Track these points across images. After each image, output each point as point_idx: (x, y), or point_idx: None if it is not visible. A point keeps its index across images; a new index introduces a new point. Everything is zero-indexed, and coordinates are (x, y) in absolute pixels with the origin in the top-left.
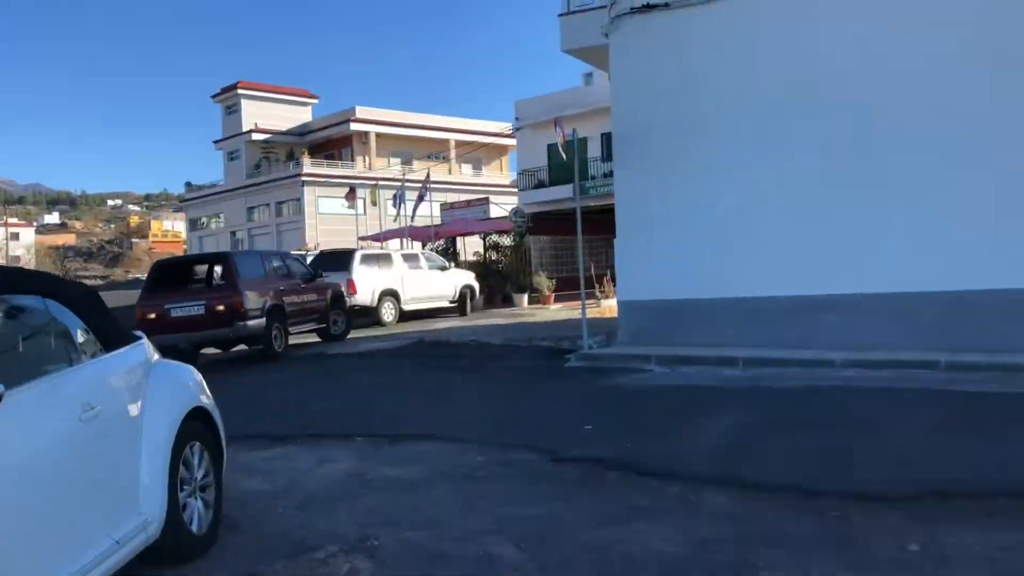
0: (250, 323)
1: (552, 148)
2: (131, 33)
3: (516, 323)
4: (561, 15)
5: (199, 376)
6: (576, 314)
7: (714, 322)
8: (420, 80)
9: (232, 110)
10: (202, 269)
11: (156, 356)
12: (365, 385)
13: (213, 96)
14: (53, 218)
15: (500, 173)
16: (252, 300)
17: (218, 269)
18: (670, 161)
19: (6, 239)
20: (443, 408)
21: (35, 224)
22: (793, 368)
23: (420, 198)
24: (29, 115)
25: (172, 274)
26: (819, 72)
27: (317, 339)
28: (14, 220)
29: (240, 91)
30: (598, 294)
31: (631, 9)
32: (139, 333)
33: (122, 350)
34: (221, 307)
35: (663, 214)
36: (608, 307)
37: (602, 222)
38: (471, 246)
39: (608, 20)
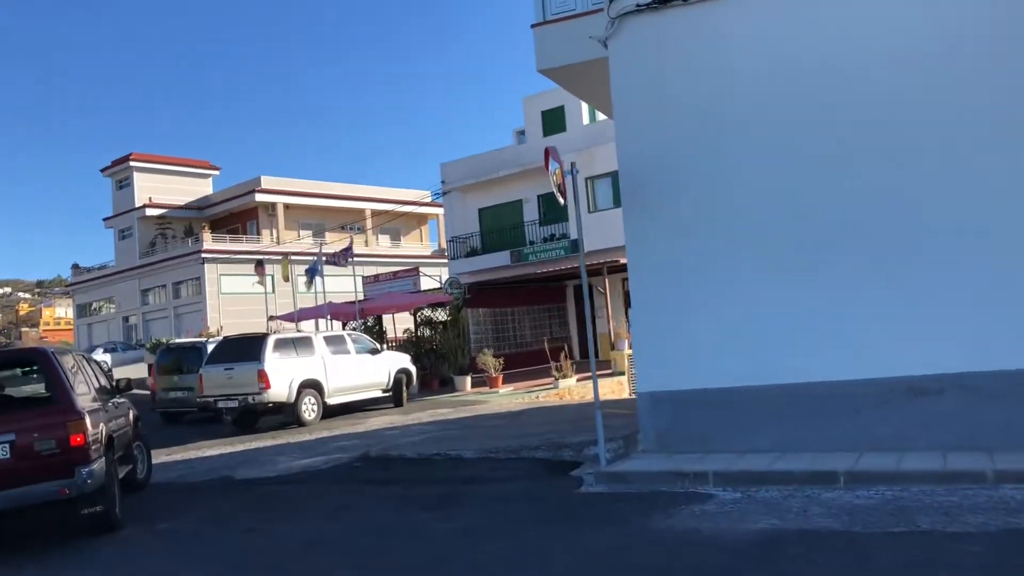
0: (94, 469)
1: (486, 212)
2: (9, 106)
3: (472, 416)
4: (535, 26)
5: None
6: (541, 402)
7: (773, 418)
8: (330, 150)
9: (124, 184)
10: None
11: None
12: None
13: (103, 169)
14: None
15: (420, 243)
16: (92, 428)
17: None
18: (706, 202)
19: None
20: None
21: None
22: (924, 486)
23: (333, 263)
24: None
25: None
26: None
27: (213, 452)
28: None
29: (132, 163)
30: (555, 373)
31: (637, 6)
32: None
33: None
34: (43, 442)
35: (699, 274)
36: (567, 389)
37: (544, 291)
38: (400, 323)
39: (606, 24)
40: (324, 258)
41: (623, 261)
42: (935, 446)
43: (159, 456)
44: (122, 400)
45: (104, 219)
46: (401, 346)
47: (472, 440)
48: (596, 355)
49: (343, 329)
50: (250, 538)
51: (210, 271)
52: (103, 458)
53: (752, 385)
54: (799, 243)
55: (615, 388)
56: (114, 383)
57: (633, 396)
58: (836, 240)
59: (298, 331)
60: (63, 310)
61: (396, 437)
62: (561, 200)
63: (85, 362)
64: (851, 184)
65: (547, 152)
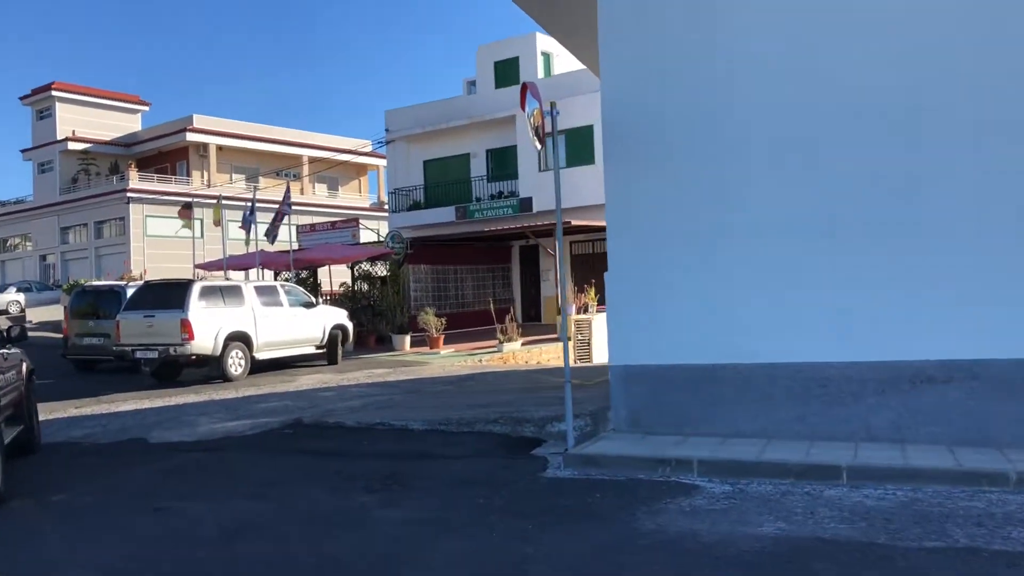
0: None
1: (431, 165)
2: None
3: (414, 380)
4: None
5: None
6: (485, 366)
7: (762, 400)
8: (271, 93)
9: (45, 114)
10: None
11: None
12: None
13: (22, 98)
14: None
15: (359, 195)
16: None
17: None
18: (698, 150)
19: None
20: None
21: None
22: (938, 486)
23: (279, 216)
24: None
25: None
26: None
27: (128, 407)
28: None
29: (55, 92)
30: (499, 336)
31: None
32: None
33: None
34: None
35: (684, 234)
36: (511, 353)
37: (489, 250)
38: (336, 276)
39: None
40: (287, 203)
41: (576, 223)
42: (940, 440)
43: (67, 408)
44: (13, 351)
45: (22, 151)
46: (337, 300)
47: (418, 409)
48: (539, 318)
49: (275, 280)
50: (161, 519)
51: (135, 211)
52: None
53: (738, 363)
54: (800, 209)
55: (560, 353)
56: (4, 331)
57: (579, 363)
58: (842, 209)
59: (228, 280)
60: None
61: (332, 400)
62: (538, 145)
63: None
64: (864, 155)
65: (524, 88)
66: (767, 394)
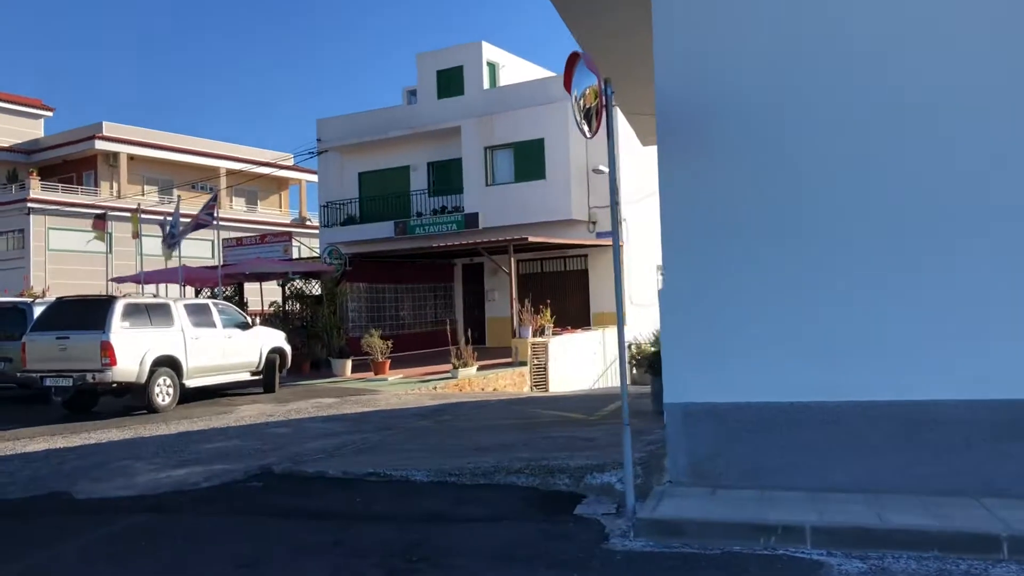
0: None
1: (368, 177)
2: None
3: (372, 411)
4: None
5: None
6: (441, 394)
7: (857, 446)
8: (183, 100)
9: None
10: None
11: None
12: None
13: None
14: None
15: (279, 210)
16: None
17: None
18: (780, 158)
19: None
20: None
21: None
22: None
23: (195, 227)
24: None
25: None
26: None
27: (39, 447)
28: None
29: None
30: (454, 361)
31: None
32: None
33: None
34: None
35: (755, 244)
36: (466, 379)
37: (430, 268)
38: (266, 295)
39: None
40: (212, 211)
41: (533, 239)
42: None
43: None
44: None
45: None
46: (268, 321)
47: (408, 453)
48: (483, 340)
49: (196, 297)
50: None
51: (37, 223)
52: None
53: (826, 401)
54: (907, 221)
55: (516, 379)
56: None
57: (542, 393)
58: (956, 223)
59: (154, 297)
60: None
61: (291, 439)
62: (588, 134)
63: None
64: (982, 159)
65: (572, 61)
66: (863, 438)
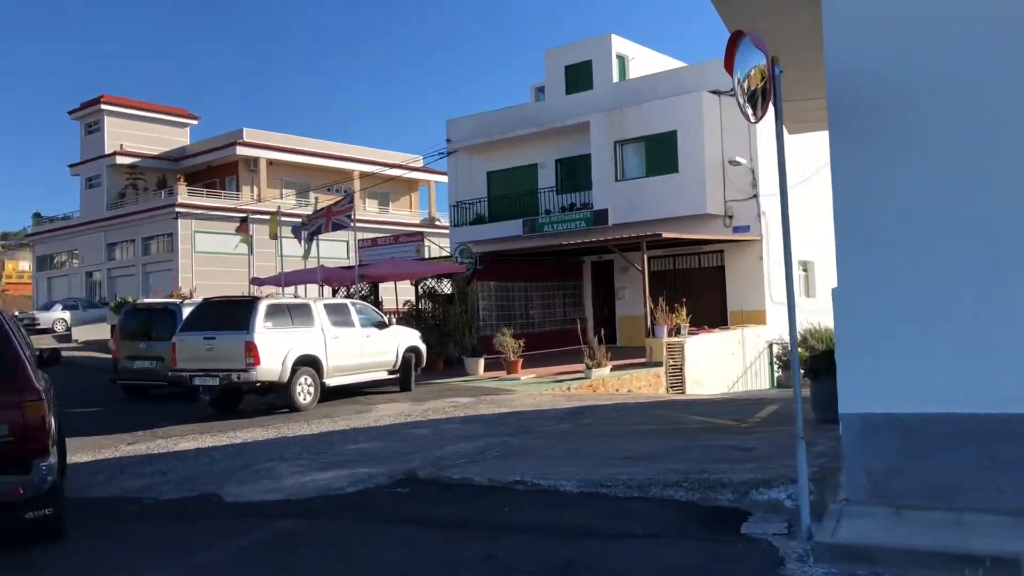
0: (52, 464)
1: (496, 176)
2: None
3: (511, 413)
4: None
5: None
6: (575, 394)
7: None
8: (320, 106)
9: (93, 129)
10: None
11: None
12: None
13: (71, 112)
14: None
15: (409, 211)
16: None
17: None
18: (977, 141)
19: None
20: None
21: None
22: None
23: (332, 226)
24: None
25: None
26: None
27: (188, 445)
28: None
29: (103, 106)
30: (587, 360)
31: None
32: None
33: None
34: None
35: (950, 239)
36: (600, 380)
37: (559, 266)
38: (399, 294)
39: None
40: (350, 213)
41: (667, 235)
42: None
43: (118, 445)
44: (43, 375)
45: (70, 166)
46: (403, 320)
47: (553, 459)
48: (614, 340)
49: (334, 296)
50: None
51: (184, 227)
52: (56, 447)
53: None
54: None
55: (651, 381)
56: (37, 353)
57: (680, 396)
58: None
59: (295, 297)
60: (27, 263)
61: (432, 442)
62: (752, 118)
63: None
64: None
65: (735, 39)
66: None
